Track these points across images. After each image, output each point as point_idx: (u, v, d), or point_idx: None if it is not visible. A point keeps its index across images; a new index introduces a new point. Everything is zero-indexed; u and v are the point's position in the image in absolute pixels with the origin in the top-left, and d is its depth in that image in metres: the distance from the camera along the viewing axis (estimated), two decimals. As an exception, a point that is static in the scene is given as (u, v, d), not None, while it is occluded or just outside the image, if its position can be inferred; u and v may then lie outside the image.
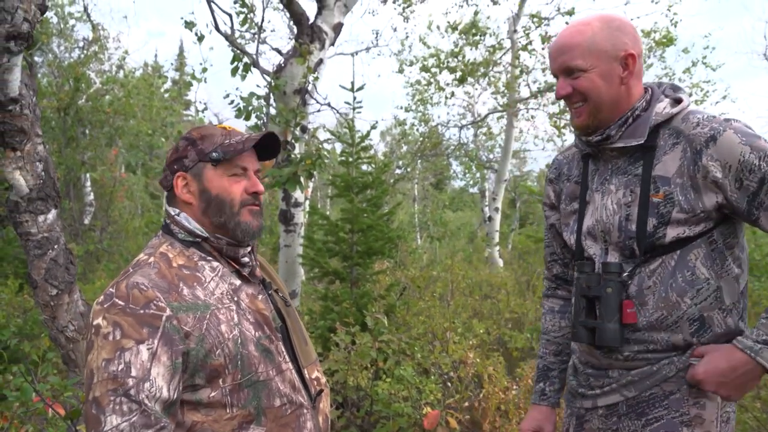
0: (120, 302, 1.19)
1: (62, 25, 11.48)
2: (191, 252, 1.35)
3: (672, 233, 1.40)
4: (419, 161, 16.40)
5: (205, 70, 6.86)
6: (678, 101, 1.48)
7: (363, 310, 4.52)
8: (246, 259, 1.42)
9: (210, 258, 1.37)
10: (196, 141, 1.38)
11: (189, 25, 6.60)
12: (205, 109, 7.20)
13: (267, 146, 1.45)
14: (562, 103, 1.65)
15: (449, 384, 3.71)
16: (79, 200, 10.86)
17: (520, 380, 3.50)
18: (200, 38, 6.64)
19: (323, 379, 1.52)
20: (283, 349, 1.39)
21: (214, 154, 1.35)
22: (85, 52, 11.44)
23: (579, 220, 1.59)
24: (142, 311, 1.18)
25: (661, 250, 1.42)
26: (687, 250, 1.41)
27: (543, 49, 10.40)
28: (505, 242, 15.87)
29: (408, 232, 14.81)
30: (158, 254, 1.32)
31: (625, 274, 1.45)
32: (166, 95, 14.43)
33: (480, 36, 10.76)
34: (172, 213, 1.38)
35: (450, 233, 16.79)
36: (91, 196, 11.40)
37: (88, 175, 10.85)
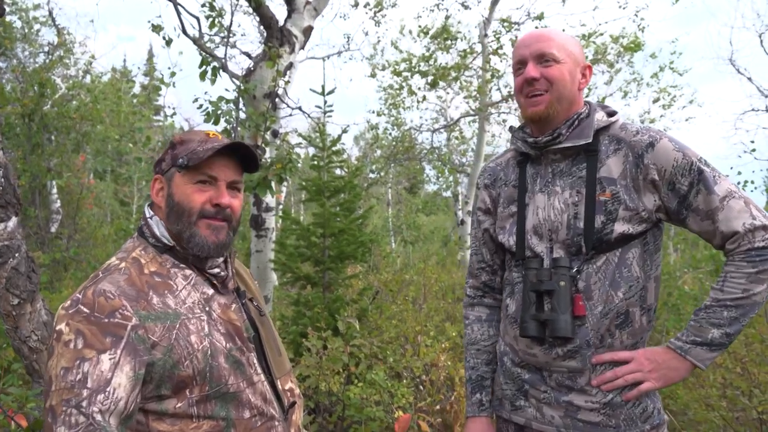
0: (85, 309, 1.16)
1: (26, 30, 11.23)
2: (164, 258, 1.33)
3: (619, 229, 1.49)
4: (392, 165, 16.43)
5: (173, 74, 6.79)
6: (611, 114, 1.61)
7: (335, 314, 4.49)
8: (216, 270, 1.38)
9: (183, 265, 1.34)
10: (175, 145, 1.36)
11: (156, 28, 6.53)
12: (174, 113, 7.09)
13: (246, 156, 1.39)
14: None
15: (421, 387, 3.71)
16: (45, 208, 10.61)
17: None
18: (168, 42, 6.58)
19: (297, 390, 1.50)
20: (255, 361, 1.36)
21: (180, 159, 1.32)
22: (50, 56, 11.20)
23: (519, 221, 1.64)
24: (106, 320, 1.15)
25: (606, 246, 1.51)
26: (626, 249, 1.52)
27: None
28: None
29: (382, 236, 14.80)
30: (130, 259, 1.30)
31: (574, 269, 1.53)
32: (135, 100, 14.21)
33: (451, 40, 10.83)
34: (147, 215, 1.36)
35: (423, 237, 16.83)
36: (58, 204, 11.15)
37: (54, 182, 10.61)
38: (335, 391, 3.40)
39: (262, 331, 1.43)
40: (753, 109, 12.84)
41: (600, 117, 1.57)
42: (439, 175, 16.25)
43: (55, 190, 11.08)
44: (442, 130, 14.21)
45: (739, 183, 9.23)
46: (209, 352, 1.25)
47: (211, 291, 1.35)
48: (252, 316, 1.43)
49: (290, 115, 6.15)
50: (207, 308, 1.31)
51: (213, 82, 5.57)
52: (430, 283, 6.87)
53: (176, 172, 1.33)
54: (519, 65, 1.60)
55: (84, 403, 1.09)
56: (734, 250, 1.44)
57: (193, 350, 1.23)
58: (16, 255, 2.85)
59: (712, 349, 1.45)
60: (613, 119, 1.58)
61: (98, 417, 1.09)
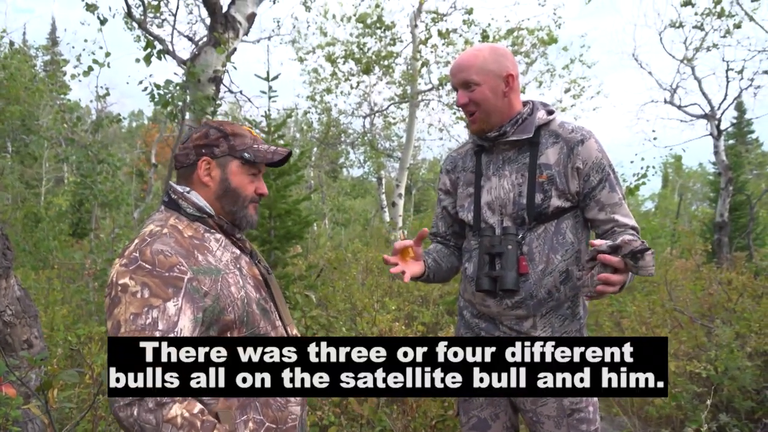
0: (147, 266, 1.36)
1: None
2: (197, 225, 1.54)
3: (554, 204, 1.86)
4: (315, 149, 16.55)
5: (108, 54, 6.70)
6: (551, 113, 1.97)
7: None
8: (239, 235, 1.64)
9: (213, 231, 1.57)
10: (229, 136, 1.56)
11: (90, 7, 6.40)
12: (107, 94, 6.90)
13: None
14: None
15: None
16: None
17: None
18: (103, 21, 6.47)
19: (299, 335, 1.79)
20: (275, 309, 1.63)
21: (246, 154, 1.55)
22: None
23: (476, 200, 1.99)
24: (167, 274, 1.36)
25: (544, 218, 1.87)
26: (561, 220, 1.89)
27: (443, 43, 10.99)
28: (403, 228, 16.48)
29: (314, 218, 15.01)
30: (169, 226, 1.49)
31: (520, 236, 1.89)
32: (42, 74, 13.44)
33: (384, 30, 11.11)
34: (181, 190, 1.56)
35: (354, 219, 17.16)
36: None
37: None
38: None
39: (272, 286, 1.68)
40: (653, 101, 14.06)
41: (541, 116, 1.93)
42: (368, 159, 16.54)
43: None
44: (372, 116, 14.50)
45: (642, 168, 10.42)
46: (245, 300, 1.50)
47: (237, 251, 1.60)
48: (263, 274, 1.67)
49: (235, 100, 6.24)
50: (238, 265, 1.55)
51: (148, 63, 5.61)
52: (369, 261, 7.20)
53: (234, 162, 1.56)
54: (454, 90, 1.98)
55: None
56: (620, 231, 1.84)
57: (234, 299, 1.47)
58: (-10, 233, 2.92)
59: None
60: (551, 117, 1.94)
61: None
